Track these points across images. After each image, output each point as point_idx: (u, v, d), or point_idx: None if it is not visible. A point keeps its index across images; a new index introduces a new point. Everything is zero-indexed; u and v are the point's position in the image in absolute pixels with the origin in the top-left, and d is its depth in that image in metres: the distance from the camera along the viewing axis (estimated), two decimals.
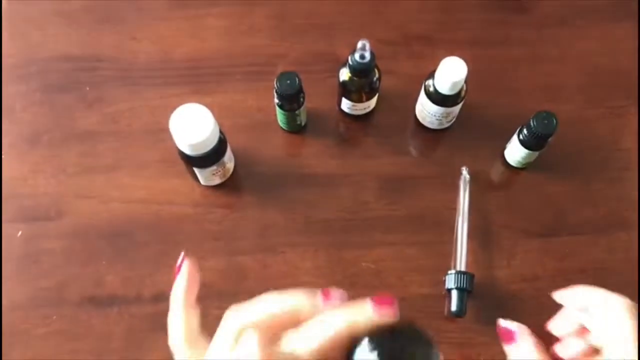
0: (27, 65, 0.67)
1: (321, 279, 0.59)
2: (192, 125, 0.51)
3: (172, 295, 0.33)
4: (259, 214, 0.61)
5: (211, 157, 0.55)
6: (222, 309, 0.63)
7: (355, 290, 0.58)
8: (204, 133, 0.51)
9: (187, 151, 0.53)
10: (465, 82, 0.58)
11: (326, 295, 0.29)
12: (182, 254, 0.35)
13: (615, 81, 0.67)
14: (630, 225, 0.61)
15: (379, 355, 0.28)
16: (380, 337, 0.29)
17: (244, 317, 0.30)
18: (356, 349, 0.29)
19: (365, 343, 0.28)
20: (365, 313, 0.29)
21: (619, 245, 0.60)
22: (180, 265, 0.34)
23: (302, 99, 0.59)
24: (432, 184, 0.62)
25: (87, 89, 0.66)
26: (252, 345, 0.27)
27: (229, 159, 0.59)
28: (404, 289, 0.58)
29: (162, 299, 0.57)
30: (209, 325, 0.56)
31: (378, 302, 0.29)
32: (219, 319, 0.59)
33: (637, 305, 0.38)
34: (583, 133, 0.65)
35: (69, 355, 0.55)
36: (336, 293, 0.29)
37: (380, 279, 0.58)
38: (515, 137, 0.60)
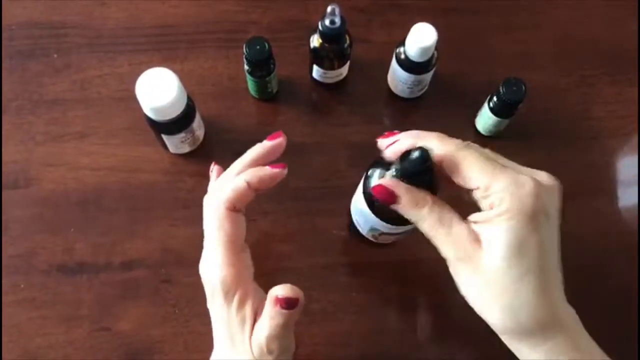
0: None
1: (293, 247, 0.59)
2: (158, 89, 0.51)
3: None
4: None
5: (179, 123, 0.55)
6: (192, 276, 0.63)
7: (328, 257, 0.58)
8: (169, 96, 0.51)
9: (153, 116, 0.52)
10: (436, 49, 0.57)
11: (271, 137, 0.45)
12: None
13: (587, 50, 0.68)
14: (598, 194, 0.62)
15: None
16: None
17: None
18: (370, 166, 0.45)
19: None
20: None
21: (587, 214, 0.61)
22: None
23: (272, 66, 0.59)
24: None
25: (55, 55, 0.65)
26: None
27: (198, 126, 0.58)
28: (375, 256, 0.59)
29: (131, 266, 0.57)
30: (177, 293, 0.56)
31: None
32: (188, 286, 0.58)
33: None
34: (554, 102, 0.65)
35: (38, 322, 0.55)
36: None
37: (352, 246, 0.59)
38: (485, 105, 0.60)
